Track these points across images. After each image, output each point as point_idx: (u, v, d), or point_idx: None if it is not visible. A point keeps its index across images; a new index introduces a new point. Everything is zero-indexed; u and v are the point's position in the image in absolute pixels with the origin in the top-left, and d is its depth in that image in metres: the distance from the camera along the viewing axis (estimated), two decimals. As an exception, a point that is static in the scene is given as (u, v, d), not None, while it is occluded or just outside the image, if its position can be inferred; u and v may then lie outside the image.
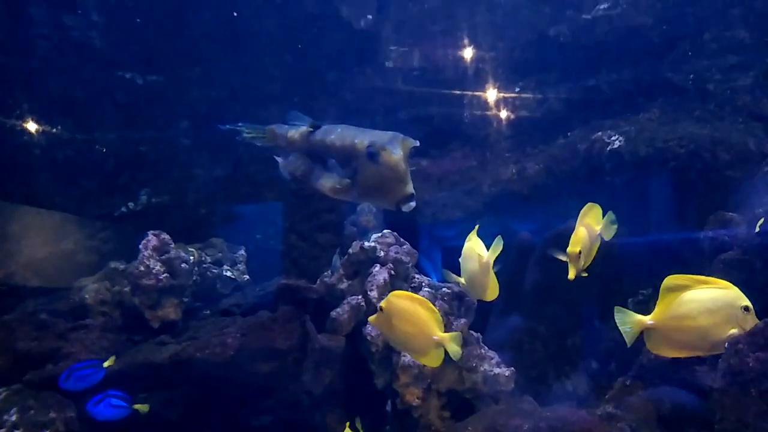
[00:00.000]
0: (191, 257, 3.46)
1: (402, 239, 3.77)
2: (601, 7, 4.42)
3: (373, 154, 2.30)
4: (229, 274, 3.73)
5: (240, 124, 2.69)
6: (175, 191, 4.44)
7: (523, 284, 3.75)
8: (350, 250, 3.64)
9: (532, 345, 3.75)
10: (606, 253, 3.64)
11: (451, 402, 3.35)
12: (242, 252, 3.94)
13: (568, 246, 2.52)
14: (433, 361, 2.41)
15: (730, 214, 3.23)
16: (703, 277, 1.99)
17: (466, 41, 4.64)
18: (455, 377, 3.34)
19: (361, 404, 3.46)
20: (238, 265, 3.85)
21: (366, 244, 3.62)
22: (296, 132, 2.61)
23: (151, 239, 3.32)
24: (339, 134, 2.48)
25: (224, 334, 3.01)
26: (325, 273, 3.71)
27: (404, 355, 3.23)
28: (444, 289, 3.49)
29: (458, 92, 4.76)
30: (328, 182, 2.50)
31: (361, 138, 2.39)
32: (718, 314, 1.90)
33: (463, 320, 3.40)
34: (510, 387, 3.34)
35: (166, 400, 3.10)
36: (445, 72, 4.71)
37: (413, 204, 2.33)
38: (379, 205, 2.61)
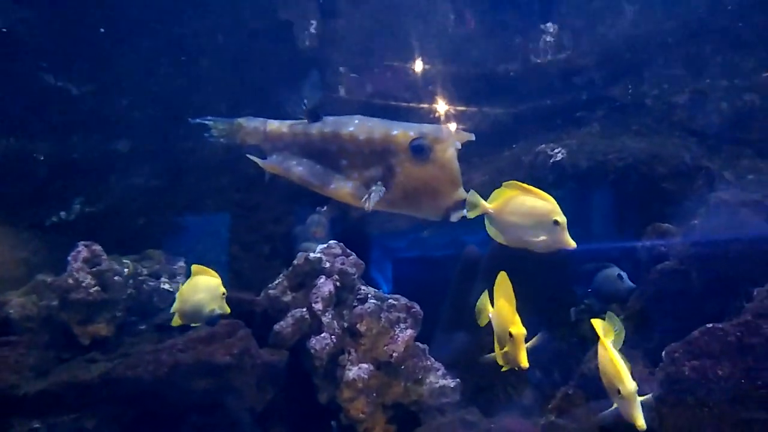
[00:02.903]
0: (125, 269, 3.30)
1: (348, 250, 3.72)
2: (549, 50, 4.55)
3: (421, 149, 1.91)
4: (167, 287, 3.57)
5: (209, 117, 2.27)
6: (111, 200, 4.25)
7: (470, 296, 3.75)
8: (295, 262, 3.57)
9: (478, 355, 3.75)
10: (549, 263, 3.71)
11: (396, 415, 3.31)
12: (182, 264, 3.79)
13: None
14: None
15: (666, 225, 3.33)
16: (532, 188, 2.13)
17: (415, 69, 4.62)
18: (401, 390, 3.31)
19: (305, 420, 3.37)
20: (177, 278, 3.69)
21: (311, 255, 3.55)
22: (283, 124, 2.16)
23: (82, 250, 3.15)
24: (362, 125, 2.02)
25: (159, 350, 2.88)
26: (270, 285, 3.61)
27: (348, 369, 3.18)
28: (390, 300, 3.46)
29: (405, 105, 4.75)
30: (345, 187, 2.01)
31: (399, 129, 1.96)
32: (536, 220, 2.04)
33: (409, 331, 3.37)
34: (456, 398, 3.34)
35: (96, 421, 2.93)
36: (392, 92, 4.68)
37: (464, 212, 1.99)
38: (418, 215, 2.03)
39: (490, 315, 2.39)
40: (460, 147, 1.93)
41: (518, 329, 2.14)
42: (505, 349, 2.20)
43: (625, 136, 4.19)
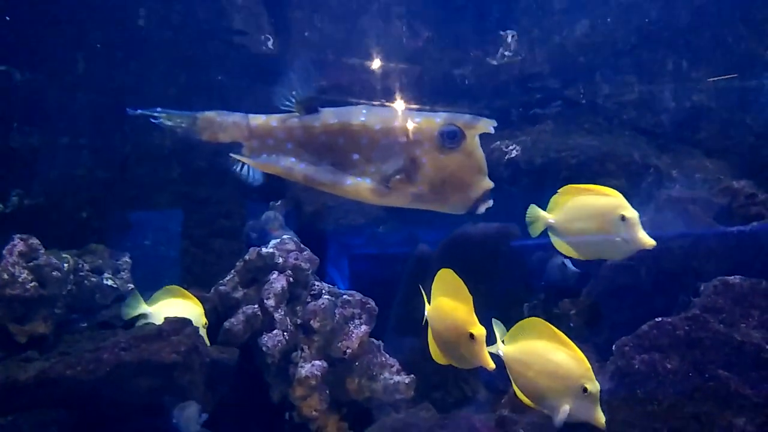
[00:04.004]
0: (65, 264, 3.13)
1: (303, 245, 3.65)
2: (506, 53, 4.56)
3: (454, 136, 1.72)
4: (110, 282, 3.42)
5: (158, 109, 1.96)
6: (51, 193, 4.04)
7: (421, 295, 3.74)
8: (247, 257, 3.47)
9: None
10: (501, 259, 3.74)
11: (350, 412, 3.27)
12: (126, 259, 3.63)
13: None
14: None
15: (617, 221, 3.38)
16: (591, 186, 2.00)
17: (371, 69, 4.55)
18: (354, 387, 3.27)
19: (257, 419, 3.29)
20: (121, 273, 3.54)
21: (263, 250, 3.47)
22: (271, 118, 1.92)
23: (17, 244, 2.97)
24: (375, 115, 1.83)
25: (100, 348, 2.73)
26: (221, 281, 3.50)
27: (301, 366, 3.11)
28: (345, 296, 3.42)
29: (365, 102, 4.68)
30: (363, 184, 1.81)
31: (421, 116, 1.79)
32: (601, 220, 1.88)
33: (364, 327, 3.33)
34: (410, 395, 3.32)
35: (31, 425, 2.77)
36: (350, 94, 4.59)
37: (491, 202, 1.80)
38: (445, 209, 1.85)
39: (427, 313, 2.25)
40: (493, 131, 1.78)
41: (480, 329, 1.97)
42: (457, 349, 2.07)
43: (578, 135, 4.26)
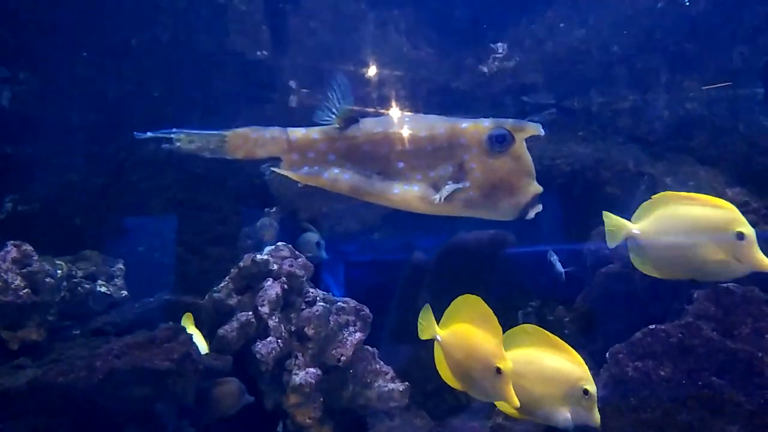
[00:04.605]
0: (59, 271, 3.12)
1: (297, 252, 3.65)
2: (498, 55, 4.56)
3: (503, 140, 1.68)
4: (104, 289, 3.41)
5: (174, 130, 1.89)
6: (45, 199, 4.03)
7: (416, 302, 3.74)
8: (241, 264, 3.46)
9: (428, 359, 3.74)
10: (496, 266, 3.74)
11: (344, 420, 3.26)
12: (120, 266, 3.62)
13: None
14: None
15: (611, 229, 3.39)
16: (696, 195, 1.73)
17: (368, 85, 4.55)
18: (349, 395, 3.26)
19: (250, 427, 3.27)
20: (115, 280, 3.53)
21: (258, 256, 3.46)
22: (311, 131, 1.88)
23: (11, 250, 2.96)
24: (418, 122, 1.79)
25: (93, 356, 2.72)
26: (215, 288, 3.50)
27: (295, 374, 3.10)
28: (339, 303, 3.41)
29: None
30: (411, 191, 1.76)
31: (467, 121, 1.74)
32: (708, 236, 1.63)
33: (358, 335, 3.32)
34: (404, 402, 3.31)
35: (24, 432, 2.75)
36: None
37: (540, 207, 1.76)
38: (494, 215, 1.81)
39: (439, 337, 2.13)
40: (543, 133, 1.73)
41: (507, 364, 1.84)
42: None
43: (572, 142, 4.27)
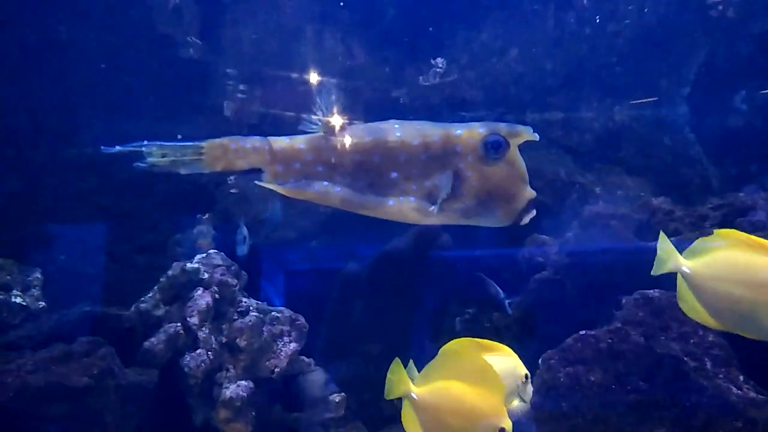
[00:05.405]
0: (-34, 281, 2.89)
1: (230, 260, 3.53)
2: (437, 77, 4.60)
3: (498, 146, 1.65)
4: (19, 300, 3.18)
5: (145, 143, 1.72)
6: (-46, 205, 3.74)
7: (350, 316, 3.68)
8: (170, 272, 3.31)
9: (364, 368, 3.69)
10: (435, 273, 3.74)
11: (277, 434, 3.17)
12: (38, 275, 3.38)
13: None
14: None
15: (544, 236, 3.46)
16: (763, 242, 1.51)
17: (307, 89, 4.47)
18: (283, 407, 3.17)
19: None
20: (32, 290, 3.29)
21: (188, 265, 3.32)
22: (295, 140, 1.76)
23: None
24: (410, 129, 1.71)
25: (4, 371, 2.52)
26: (141, 298, 3.33)
27: (226, 387, 2.99)
28: (273, 313, 3.32)
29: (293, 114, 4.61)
30: (407, 203, 1.70)
31: (461, 128, 1.68)
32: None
33: (293, 345, 3.24)
34: (341, 413, 3.25)
35: None
36: (286, 109, 4.50)
37: (534, 212, 1.76)
38: (490, 222, 1.75)
39: (415, 395, 1.83)
40: (537, 138, 1.74)
41: (509, 423, 1.67)
42: None
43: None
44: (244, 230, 3.95)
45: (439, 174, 1.71)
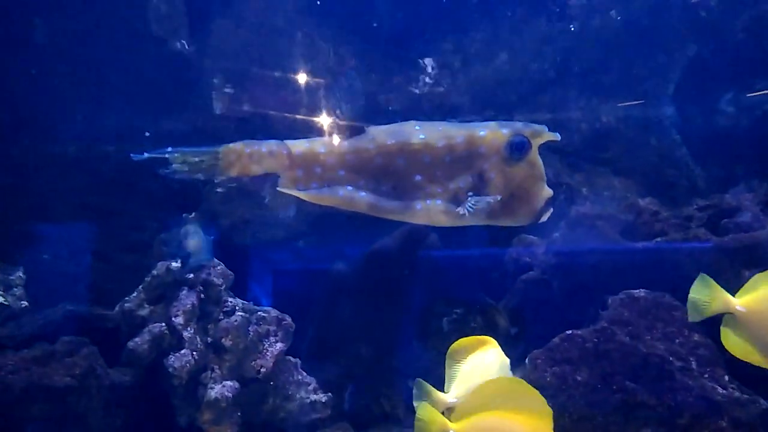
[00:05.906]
0: (-53, 280, 2.84)
1: (216, 260, 3.50)
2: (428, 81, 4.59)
3: (522, 147, 1.66)
4: (0, 299, 3.14)
5: (169, 149, 1.69)
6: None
7: (337, 317, 3.67)
8: (155, 272, 3.28)
9: (353, 369, 3.68)
10: (421, 273, 3.73)
11: (264, 434, 3.14)
12: (20, 274, 3.34)
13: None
14: None
15: (531, 237, 3.47)
16: None
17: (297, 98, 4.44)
18: (269, 408, 3.15)
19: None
20: (14, 290, 3.25)
21: (173, 264, 3.29)
22: (315, 144, 1.71)
23: None
24: (434, 131, 1.69)
25: (-17, 372, 2.49)
26: (126, 298, 3.29)
27: (211, 387, 2.96)
28: (260, 312, 3.30)
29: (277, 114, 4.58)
30: (435, 206, 1.68)
31: (485, 129, 1.67)
32: None
33: (279, 345, 3.22)
34: (327, 414, 3.24)
35: None
36: (273, 109, 4.47)
37: (551, 210, 1.76)
38: (513, 222, 1.77)
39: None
40: (559, 138, 1.76)
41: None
42: None
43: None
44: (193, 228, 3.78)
45: (464, 176, 1.70)
